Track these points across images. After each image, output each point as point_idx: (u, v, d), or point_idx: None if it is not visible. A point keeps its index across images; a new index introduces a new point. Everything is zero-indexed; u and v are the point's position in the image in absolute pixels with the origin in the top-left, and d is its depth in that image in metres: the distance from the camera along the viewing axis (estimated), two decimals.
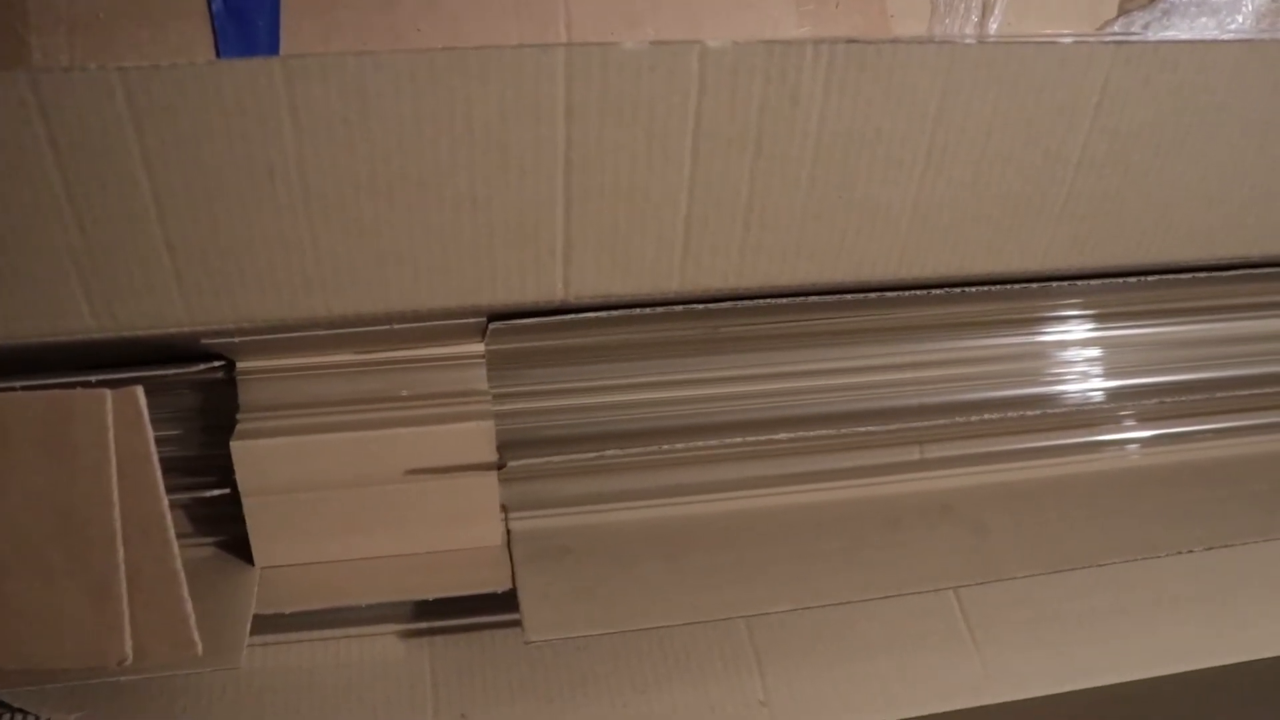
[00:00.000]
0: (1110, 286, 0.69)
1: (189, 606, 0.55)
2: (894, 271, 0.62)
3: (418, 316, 0.58)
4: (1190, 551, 0.75)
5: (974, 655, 0.72)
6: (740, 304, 0.62)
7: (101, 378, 0.58)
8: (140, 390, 0.53)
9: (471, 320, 0.60)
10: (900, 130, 0.56)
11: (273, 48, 0.64)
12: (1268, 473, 0.83)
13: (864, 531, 0.72)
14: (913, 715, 0.70)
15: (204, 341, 0.58)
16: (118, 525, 0.53)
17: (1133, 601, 0.78)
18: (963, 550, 0.72)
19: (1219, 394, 0.82)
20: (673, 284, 0.58)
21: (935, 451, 0.78)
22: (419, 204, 0.53)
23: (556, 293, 0.57)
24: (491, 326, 0.60)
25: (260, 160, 0.51)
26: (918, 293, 0.65)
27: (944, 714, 0.71)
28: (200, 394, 0.65)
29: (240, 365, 0.63)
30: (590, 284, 0.57)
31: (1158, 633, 0.77)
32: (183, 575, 0.55)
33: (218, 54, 0.63)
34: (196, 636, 0.55)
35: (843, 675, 0.69)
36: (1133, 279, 0.70)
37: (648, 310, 0.61)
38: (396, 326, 0.59)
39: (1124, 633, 0.77)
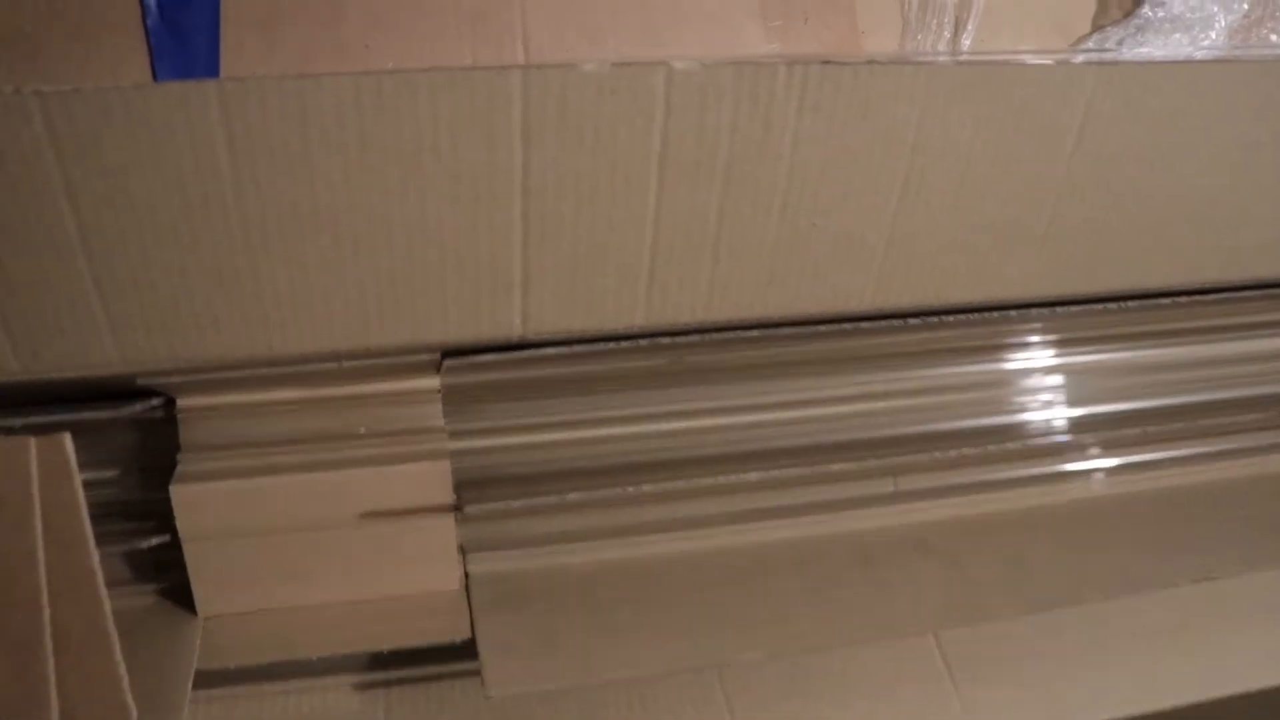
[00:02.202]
0: (1090, 311, 0.67)
1: (122, 668, 0.51)
2: (869, 302, 0.59)
3: (368, 354, 0.54)
4: (1176, 585, 0.73)
5: (953, 696, 0.69)
6: (708, 336, 0.59)
7: (27, 421, 0.54)
8: (67, 437, 0.50)
9: (424, 357, 0.57)
10: (877, 156, 0.53)
11: (212, 64, 0.60)
12: (1249, 499, 0.80)
13: (838, 570, 0.69)
14: None
15: (140, 381, 0.54)
16: (43, 582, 0.50)
17: (1112, 634, 0.75)
18: (941, 589, 0.69)
19: (1197, 419, 0.80)
20: (637, 318, 0.55)
21: (909, 484, 0.75)
22: (366, 235, 0.49)
23: (514, 329, 0.54)
24: (446, 363, 0.57)
25: (194, 189, 0.47)
26: (893, 322, 0.62)
27: None
28: (138, 433, 0.61)
29: (181, 403, 0.59)
30: (550, 319, 0.54)
31: (1140, 667, 0.74)
32: (114, 635, 0.51)
33: (153, 71, 0.60)
34: (130, 700, 0.51)
35: (815, 713, 0.66)
36: (1113, 305, 0.67)
37: (610, 345, 0.58)
38: (345, 364, 0.56)
39: (1105, 668, 0.74)
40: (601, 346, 0.57)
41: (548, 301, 0.53)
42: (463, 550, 0.67)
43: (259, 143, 0.46)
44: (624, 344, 0.58)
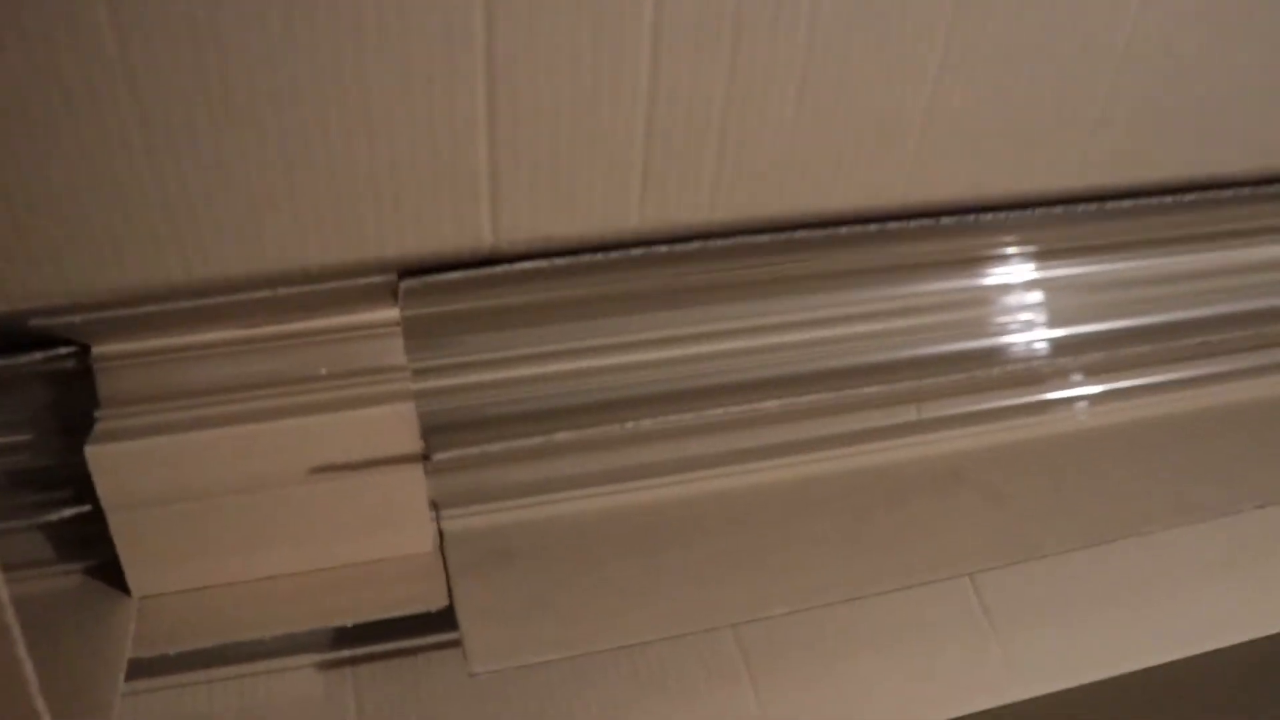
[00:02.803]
0: (1147, 208, 0.58)
1: (27, 667, 0.42)
2: (901, 197, 0.50)
3: (307, 277, 0.45)
4: (1239, 512, 0.65)
5: (994, 645, 0.62)
6: (712, 244, 0.50)
7: None
8: None
9: (378, 279, 0.48)
10: (913, 18, 0.44)
11: None
12: None
13: (867, 508, 0.61)
14: None
15: (34, 323, 0.45)
16: None
17: (1163, 570, 0.67)
18: (983, 525, 0.61)
19: (1242, 329, 0.72)
20: (630, 221, 0.46)
21: (934, 410, 0.67)
22: (294, 130, 0.40)
23: (483, 238, 0.45)
24: (404, 285, 0.48)
25: (77, 79, 0.38)
26: (925, 223, 0.53)
27: (966, 717, 0.60)
28: (51, 389, 0.52)
29: (95, 350, 0.50)
30: (525, 226, 0.45)
31: (1196, 605, 0.67)
32: (15, 626, 0.42)
33: None
34: (40, 704, 0.42)
35: (848, 678, 0.58)
36: (1169, 199, 0.59)
37: (599, 257, 0.49)
38: (282, 292, 0.47)
39: (1159, 607, 0.66)
40: (588, 259, 0.48)
41: (521, 204, 0.44)
42: (435, 506, 0.58)
43: (154, 16, 0.37)
44: (614, 255, 0.49)
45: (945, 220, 0.54)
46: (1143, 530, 0.63)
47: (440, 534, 0.58)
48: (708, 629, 0.55)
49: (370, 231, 0.43)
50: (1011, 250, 0.61)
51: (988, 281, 0.63)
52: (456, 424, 0.57)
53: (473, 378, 0.57)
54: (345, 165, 0.41)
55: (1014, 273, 0.63)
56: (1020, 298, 0.65)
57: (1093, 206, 0.56)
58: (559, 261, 0.48)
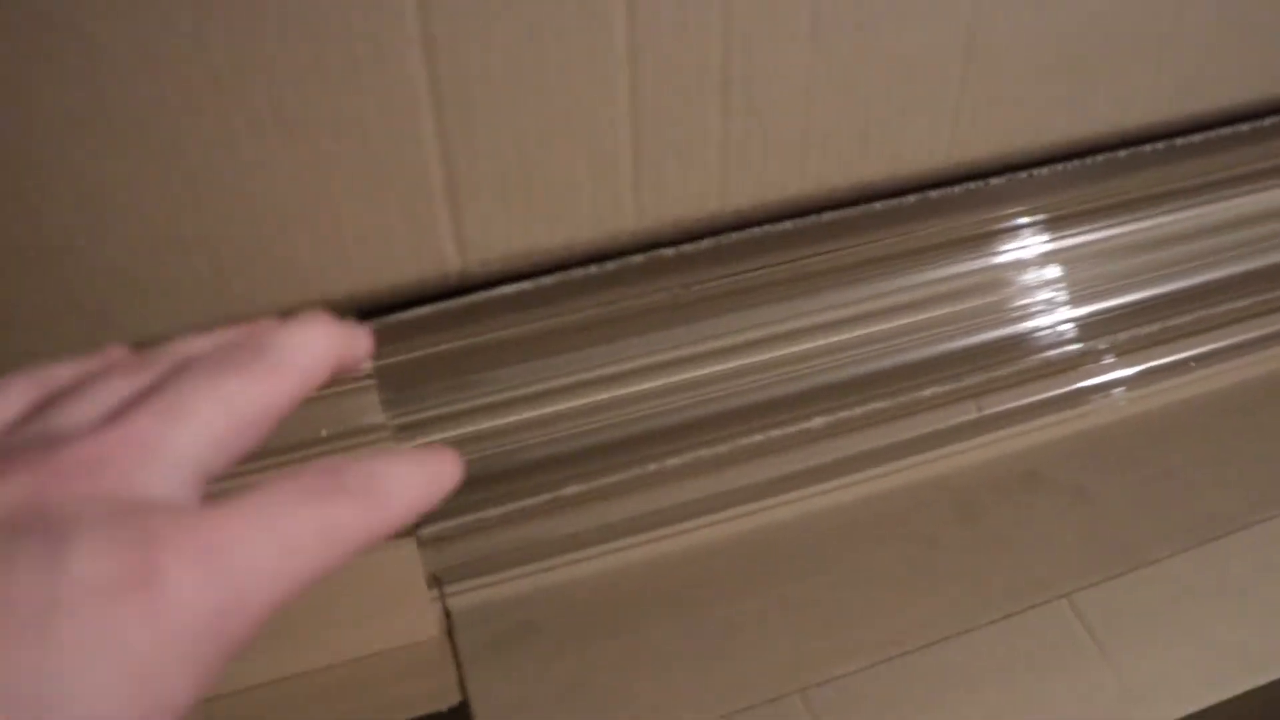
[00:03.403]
0: (1222, 141, 0.50)
1: None
2: (943, 157, 0.42)
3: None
4: None
5: (1106, 670, 0.52)
6: (727, 240, 0.41)
7: None
8: None
9: None
10: None
11: None
12: None
13: (937, 528, 0.52)
14: None
15: None
16: None
17: None
18: (1073, 532, 0.53)
19: None
20: (625, 221, 0.38)
21: (996, 405, 0.58)
22: (192, 139, 0.32)
23: (448, 261, 0.37)
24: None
25: None
26: (970, 187, 0.45)
27: None
28: None
29: None
30: (497, 240, 0.37)
31: None
32: None
33: None
34: None
35: None
36: (1245, 126, 0.50)
37: (594, 270, 0.40)
38: None
39: None
40: (580, 274, 0.40)
41: (488, 213, 0.36)
42: (439, 582, 0.50)
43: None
44: (611, 266, 0.40)
45: (993, 182, 0.45)
46: (1259, 517, 0.54)
47: (447, 614, 0.49)
48: (769, 700, 0.46)
49: (307, 265, 0.35)
50: (1069, 210, 0.52)
51: (1041, 250, 0.55)
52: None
53: (464, 429, 0.48)
54: (266, 184, 0.33)
55: (1070, 238, 0.55)
56: (1079, 267, 0.57)
57: (1161, 146, 0.48)
58: (546, 281, 0.40)
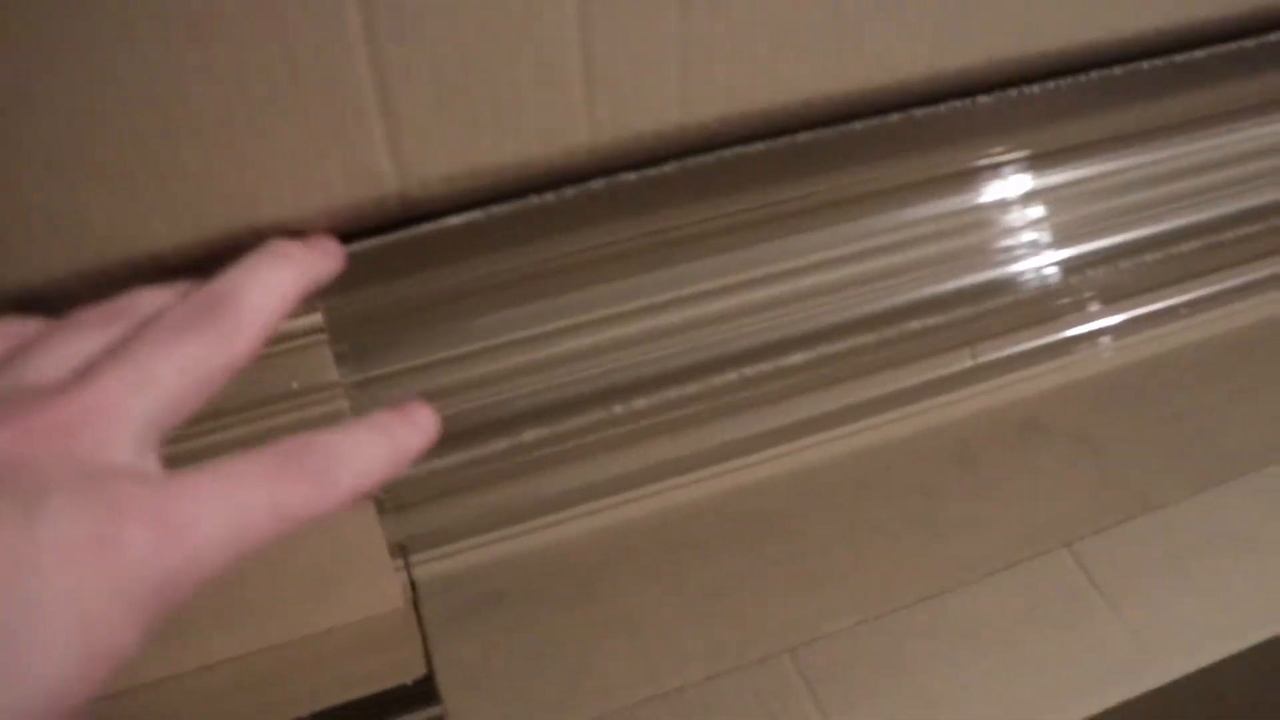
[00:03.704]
0: (1224, 60, 0.46)
1: None
2: (925, 65, 0.38)
3: (160, 263, 0.33)
4: None
5: (1117, 624, 0.49)
6: (693, 163, 0.38)
7: None
8: None
9: None
10: None
11: None
12: None
13: (934, 479, 0.49)
14: None
15: None
16: None
17: None
18: (1080, 480, 0.50)
19: None
20: (578, 135, 0.35)
21: (992, 352, 0.55)
22: (87, 42, 0.28)
23: (385, 182, 0.33)
24: None
25: None
26: (956, 105, 0.42)
27: (1097, 716, 0.48)
28: None
29: None
30: (439, 158, 0.34)
31: None
32: None
33: None
34: None
35: (941, 694, 0.46)
36: (1250, 42, 0.47)
37: (550, 198, 0.37)
38: None
39: None
40: (536, 202, 0.37)
41: (428, 127, 0.33)
42: (404, 551, 0.47)
43: None
44: (569, 193, 0.37)
45: (981, 100, 0.42)
46: (1269, 460, 0.51)
47: (412, 584, 0.46)
48: (755, 661, 0.43)
49: (230, 188, 0.32)
50: (1057, 145, 0.49)
51: (1029, 188, 0.51)
52: None
53: (425, 382, 0.45)
54: (174, 102, 0.30)
55: (1066, 170, 0.52)
56: (1076, 202, 0.53)
57: (1160, 62, 0.45)
58: (497, 210, 0.37)
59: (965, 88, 0.40)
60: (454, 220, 0.36)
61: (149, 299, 0.27)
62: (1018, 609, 0.48)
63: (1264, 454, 0.51)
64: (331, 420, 0.42)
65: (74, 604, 0.20)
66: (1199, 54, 0.46)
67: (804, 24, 0.35)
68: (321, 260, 0.30)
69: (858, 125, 0.40)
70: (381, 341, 0.44)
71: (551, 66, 0.33)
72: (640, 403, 0.46)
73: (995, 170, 0.49)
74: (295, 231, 0.33)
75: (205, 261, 0.32)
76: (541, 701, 0.41)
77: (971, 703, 0.45)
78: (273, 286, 0.27)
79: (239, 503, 0.23)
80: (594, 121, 0.34)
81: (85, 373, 0.24)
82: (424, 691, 0.42)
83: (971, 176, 0.49)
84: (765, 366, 0.45)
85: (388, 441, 0.26)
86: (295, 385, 0.42)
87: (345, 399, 0.43)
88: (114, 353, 0.24)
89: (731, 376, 0.44)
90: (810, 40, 0.35)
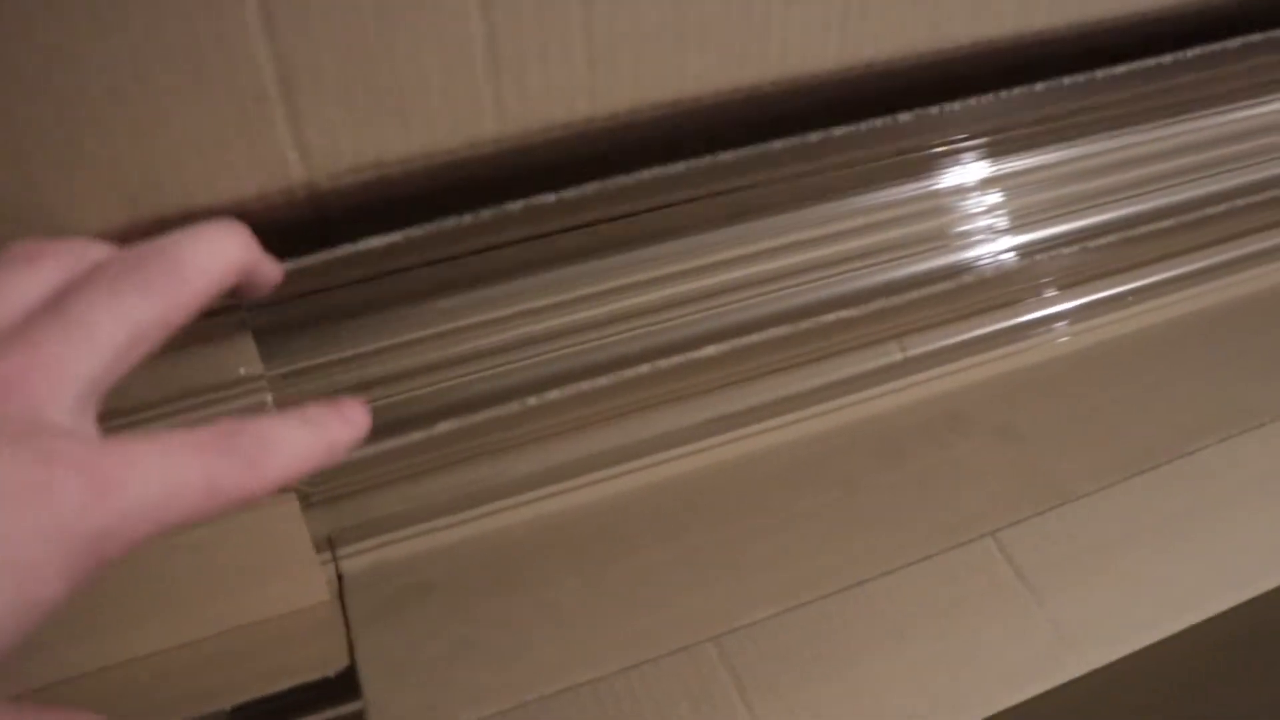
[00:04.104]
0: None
1: None
2: (833, 57, 0.39)
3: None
4: None
5: (1039, 614, 0.50)
6: (613, 184, 0.38)
7: None
8: None
9: None
10: None
11: None
12: None
13: (857, 472, 0.50)
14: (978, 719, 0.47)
15: None
16: None
17: (1224, 496, 0.55)
18: (1000, 471, 0.50)
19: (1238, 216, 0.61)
20: (486, 125, 0.35)
21: (920, 345, 0.56)
22: None
23: (292, 169, 0.34)
24: None
25: None
26: (876, 124, 0.42)
27: (1018, 706, 0.48)
28: None
29: None
30: (345, 145, 0.34)
31: (1266, 527, 0.55)
32: None
33: None
34: None
35: (865, 682, 0.46)
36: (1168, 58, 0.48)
37: (467, 220, 0.37)
38: None
39: (1222, 537, 0.54)
40: (450, 224, 0.37)
41: (333, 116, 0.33)
42: (332, 544, 0.47)
43: None
44: (485, 215, 0.37)
45: (902, 118, 0.42)
46: (1187, 450, 0.52)
47: (339, 577, 0.46)
48: (679, 649, 0.43)
49: (134, 175, 0.32)
50: (987, 137, 0.50)
51: (957, 180, 0.52)
52: None
53: (350, 375, 0.45)
54: (73, 85, 0.30)
55: (989, 164, 0.53)
56: (1001, 194, 0.54)
57: (1082, 79, 0.46)
58: (415, 233, 0.37)
59: (876, 79, 0.41)
60: (373, 242, 0.37)
61: (96, 248, 0.27)
62: (941, 599, 0.48)
63: (1182, 443, 0.52)
64: (255, 412, 0.42)
65: (7, 548, 0.20)
66: (1118, 70, 0.46)
67: (710, 14, 0.35)
68: (264, 257, 0.30)
69: (777, 145, 0.41)
70: (304, 334, 0.44)
71: (456, 57, 0.33)
72: (562, 396, 0.46)
73: (934, 161, 0.50)
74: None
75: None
76: (463, 691, 0.41)
77: (896, 693, 0.46)
78: (218, 251, 0.27)
79: (172, 470, 0.23)
80: (501, 112, 0.35)
81: (25, 328, 0.24)
82: (346, 683, 0.42)
83: (895, 171, 0.50)
84: (678, 359, 0.45)
85: (319, 433, 0.27)
86: (218, 378, 0.42)
87: (268, 391, 0.43)
88: (55, 307, 0.24)
89: (644, 369, 0.44)
90: (717, 31, 0.36)
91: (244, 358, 0.42)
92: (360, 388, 0.45)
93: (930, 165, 0.51)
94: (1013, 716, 0.47)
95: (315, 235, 0.35)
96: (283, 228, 0.35)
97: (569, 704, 0.42)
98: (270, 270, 0.30)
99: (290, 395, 0.44)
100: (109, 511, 0.22)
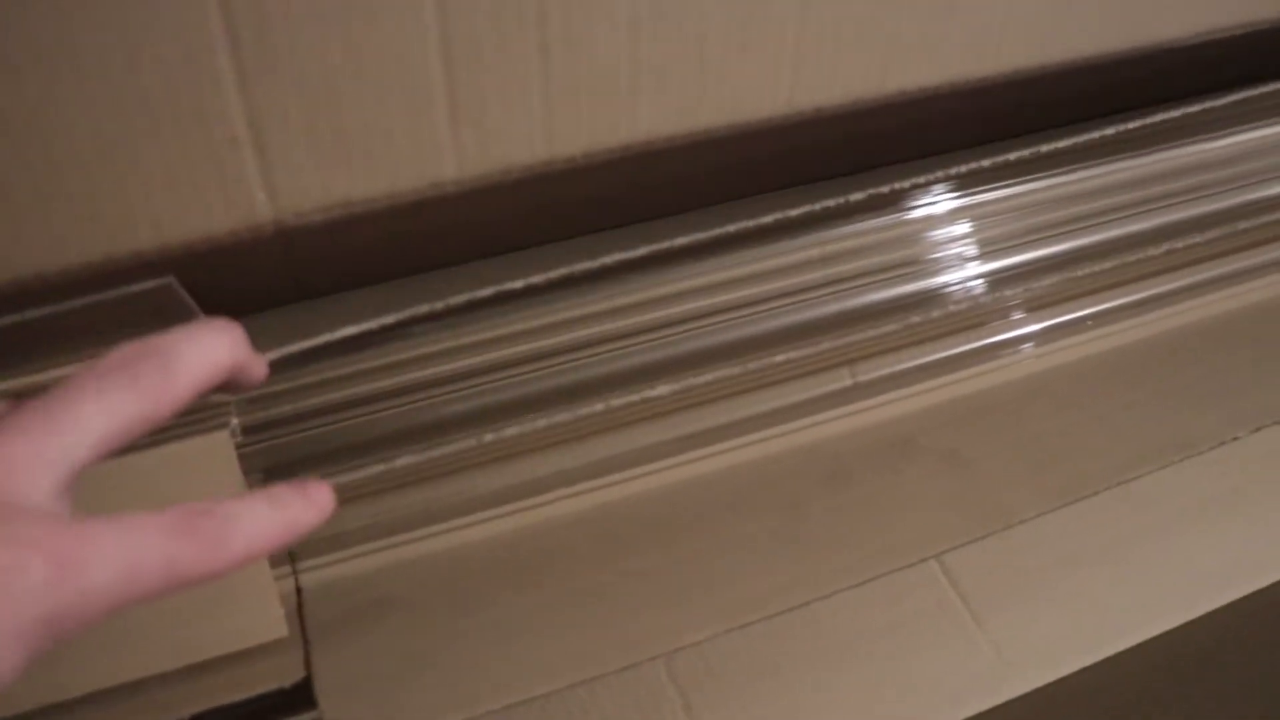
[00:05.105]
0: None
1: None
2: (784, 103, 0.41)
3: (56, 284, 0.35)
4: (1236, 439, 0.56)
5: (980, 638, 0.52)
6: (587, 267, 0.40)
7: None
8: None
9: (151, 285, 0.37)
10: None
11: None
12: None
13: (803, 495, 0.51)
14: None
15: None
16: None
17: (1161, 522, 0.57)
18: (944, 496, 0.52)
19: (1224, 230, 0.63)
20: (445, 169, 0.37)
21: (870, 372, 0.57)
22: None
23: (260, 208, 0.35)
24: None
25: None
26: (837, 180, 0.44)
27: None
28: None
29: None
30: (312, 187, 0.35)
31: (1202, 554, 0.56)
32: None
33: None
34: None
35: (809, 702, 0.48)
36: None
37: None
38: (30, 315, 0.36)
39: (1160, 562, 0.56)
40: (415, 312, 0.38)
41: (300, 160, 0.34)
42: (292, 559, 0.48)
43: None
44: (458, 308, 0.39)
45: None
46: (1126, 477, 0.54)
47: (299, 590, 0.48)
48: (627, 667, 0.45)
49: (110, 215, 0.33)
50: (934, 176, 0.51)
51: (910, 216, 0.54)
52: (297, 459, 0.47)
53: (311, 400, 0.47)
54: (56, 130, 0.31)
55: (938, 202, 0.54)
56: (949, 229, 0.56)
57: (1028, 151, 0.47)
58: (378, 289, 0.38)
59: (826, 124, 0.43)
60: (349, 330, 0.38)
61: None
62: (886, 620, 0.50)
63: (1123, 470, 0.54)
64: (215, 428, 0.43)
65: None
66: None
67: (664, 63, 0.37)
68: (253, 359, 0.30)
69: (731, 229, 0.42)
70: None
71: (418, 102, 0.34)
72: (512, 422, 0.47)
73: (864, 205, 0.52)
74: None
75: (89, 284, 0.34)
76: (416, 705, 0.42)
77: (840, 712, 0.47)
78: (209, 352, 0.28)
79: (134, 552, 0.24)
80: (461, 156, 0.36)
81: (15, 415, 0.25)
82: (302, 695, 0.43)
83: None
84: (632, 397, 0.46)
85: (282, 515, 0.28)
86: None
87: (232, 414, 0.44)
88: (46, 396, 0.26)
89: (598, 407, 0.46)
90: (671, 79, 0.37)
91: None
92: (324, 414, 0.46)
93: (882, 202, 0.53)
94: None
95: (285, 274, 0.37)
96: (253, 263, 0.37)
97: (518, 709, 0.44)
98: (258, 368, 0.31)
99: (258, 417, 0.46)
100: (68, 591, 0.23)
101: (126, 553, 0.24)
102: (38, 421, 0.25)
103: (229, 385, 0.30)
